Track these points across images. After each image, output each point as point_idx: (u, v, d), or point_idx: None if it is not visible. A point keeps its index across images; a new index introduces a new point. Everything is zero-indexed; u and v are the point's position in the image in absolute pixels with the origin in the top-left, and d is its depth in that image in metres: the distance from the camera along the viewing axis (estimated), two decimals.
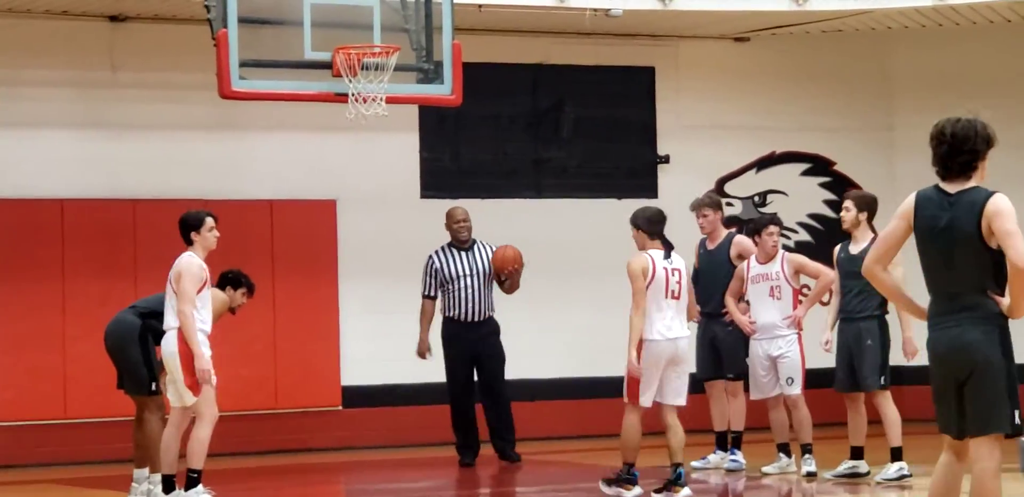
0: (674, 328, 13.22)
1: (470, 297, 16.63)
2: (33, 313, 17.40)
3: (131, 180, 17.91)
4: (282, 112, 17.62)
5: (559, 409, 19.27)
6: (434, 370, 17.19)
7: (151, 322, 13.76)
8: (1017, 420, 8.22)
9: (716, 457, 15.50)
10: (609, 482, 13.31)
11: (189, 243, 13.25)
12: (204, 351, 12.82)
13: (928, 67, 20.35)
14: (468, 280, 16.67)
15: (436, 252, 16.72)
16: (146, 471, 13.83)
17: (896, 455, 14.20)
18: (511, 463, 16.67)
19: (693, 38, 20.12)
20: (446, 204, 17.79)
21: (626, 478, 13.21)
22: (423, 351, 16.61)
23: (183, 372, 12.82)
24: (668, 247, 13.35)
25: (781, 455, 15.08)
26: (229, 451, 17.56)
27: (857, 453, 14.57)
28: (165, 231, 17.72)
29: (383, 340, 18.02)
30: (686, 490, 13.14)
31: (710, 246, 15.41)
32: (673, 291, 13.19)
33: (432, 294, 16.66)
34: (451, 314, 16.65)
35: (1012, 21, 19.51)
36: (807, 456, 14.81)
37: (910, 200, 8.42)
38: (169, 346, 12.93)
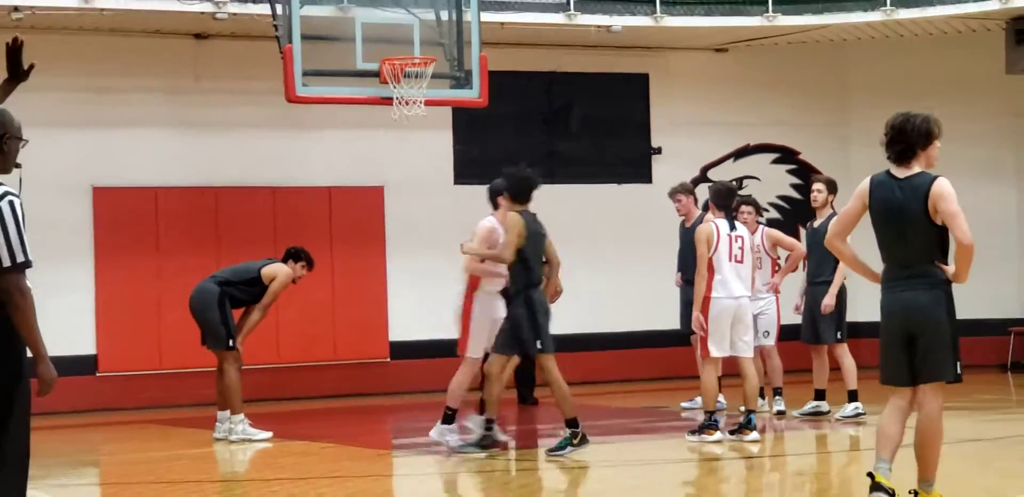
0: (737, 289, 12.79)
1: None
2: (134, 282, 17.42)
3: (213, 171, 17.90)
4: (338, 113, 17.60)
5: (572, 359, 19.19)
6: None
7: (228, 289, 13.77)
8: (959, 370, 8.24)
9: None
10: (692, 431, 12.85)
11: (495, 207, 12.77)
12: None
13: (879, 72, 20.28)
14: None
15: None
16: (227, 413, 13.83)
17: (852, 397, 14.15)
18: (531, 405, 16.67)
19: (681, 49, 20.06)
20: (476, 189, 17.70)
21: (708, 424, 12.72)
22: None
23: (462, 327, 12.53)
24: (730, 216, 13.10)
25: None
26: (296, 395, 17.60)
27: (820, 395, 14.54)
28: (242, 213, 17.85)
29: (423, 303, 17.98)
30: (754, 433, 12.75)
31: (687, 225, 15.16)
32: (736, 256, 12.82)
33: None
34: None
35: (948, 33, 19.48)
36: (778, 397, 14.76)
37: (865, 183, 8.39)
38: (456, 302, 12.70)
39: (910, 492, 8.18)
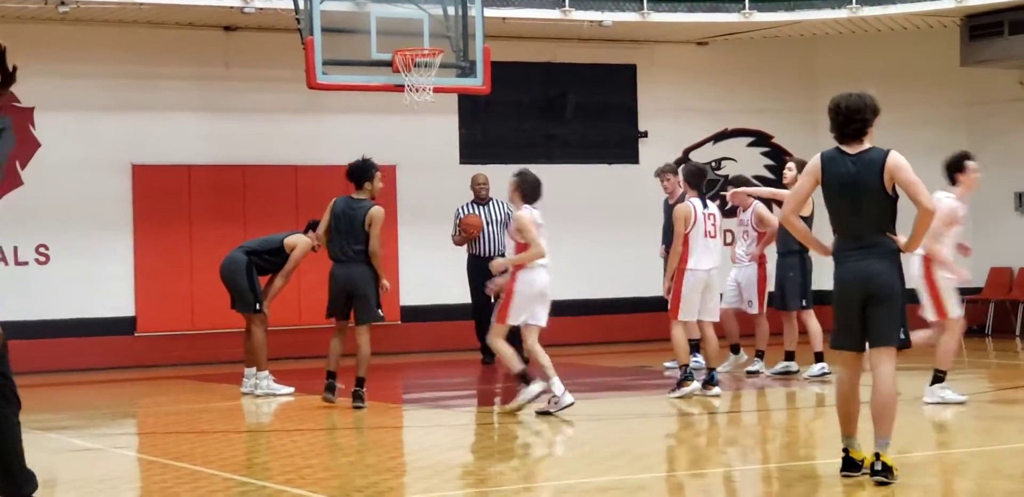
0: (707, 260, 12.73)
1: (486, 239, 16.69)
2: (169, 251, 17.44)
3: (241, 151, 17.89)
4: (354, 99, 17.56)
5: (564, 323, 19.19)
6: (468, 294, 17.16)
7: (255, 258, 13.76)
8: (903, 335, 8.09)
9: None
10: (673, 389, 12.73)
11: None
12: None
13: (844, 64, 20.22)
14: (485, 227, 16.69)
15: (461, 206, 16.75)
16: (254, 369, 13.84)
17: (818, 358, 14.15)
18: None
19: (665, 43, 20.01)
20: (479, 169, 17.75)
21: (684, 377, 12.66)
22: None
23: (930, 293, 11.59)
24: (703, 195, 12.94)
25: (730, 354, 15.01)
26: (316, 354, 17.54)
27: (789, 356, 14.53)
28: (267, 189, 17.84)
29: (430, 271, 17.99)
30: (717, 389, 12.78)
31: (671, 202, 15.13)
32: (709, 231, 12.73)
33: (455, 235, 16.71)
34: (473, 252, 16.75)
35: (908, 28, 19.46)
36: (757, 359, 14.73)
37: (816, 160, 8.18)
38: (913, 270, 11.62)
39: (874, 455, 7.92)
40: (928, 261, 11.54)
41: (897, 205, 8.00)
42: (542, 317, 11.94)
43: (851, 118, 8.04)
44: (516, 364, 11.80)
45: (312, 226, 13.96)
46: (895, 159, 7.96)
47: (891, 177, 7.94)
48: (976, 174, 11.68)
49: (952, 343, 11.68)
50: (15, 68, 7.34)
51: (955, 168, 11.61)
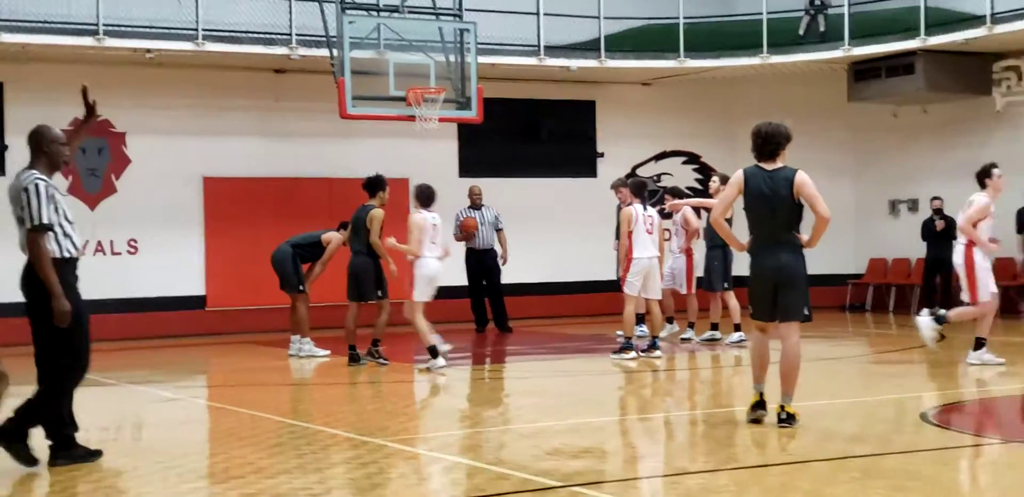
0: (648, 251, 12.78)
1: (480, 236, 16.69)
2: (232, 244, 17.50)
3: (288, 166, 17.84)
4: (376, 126, 17.52)
5: (537, 300, 19.27)
6: (466, 278, 17.13)
7: (298, 250, 13.78)
8: (807, 312, 8.09)
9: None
10: (615, 351, 12.82)
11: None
12: None
13: (758, 99, 20.26)
14: (479, 227, 16.68)
15: (460, 211, 16.75)
16: (298, 336, 13.82)
17: (737, 328, 14.14)
18: (506, 333, 16.65)
19: (618, 83, 20.00)
20: (474, 181, 17.75)
21: (625, 346, 12.77)
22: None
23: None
24: (644, 202, 13.00)
25: (666, 324, 14.98)
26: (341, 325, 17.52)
27: (714, 327, 14.52)
28: (308, 196, 17.79)
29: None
30: (658, 352, 12.84)
31: (623, 207, 15.08)
32: (648, 229, 12.80)
33: (457, 234, 16.68)
34: (470, 246, 16.70)
35: (807, 72, 19.47)
36: (689, 329, 14.72)
37: (739, 174, 8.17)
38: (956, 258, 11.26)
39: (779, 406, 7.97)
40: (969, 250, 11.20)
41: (802, 211, 8.05)
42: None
43: (768, 141, 8.07)
44: (429, 338, 12.02)
45: (343, 225, 13.94)
46: (802, 177, 8.00)
47: (798, 191, 7.98)
48: (1000, 179, 11.31)
49: (973, 314, 11.17)
50: (95, 102, 7.36)
51: (984, 175, 11.34)
